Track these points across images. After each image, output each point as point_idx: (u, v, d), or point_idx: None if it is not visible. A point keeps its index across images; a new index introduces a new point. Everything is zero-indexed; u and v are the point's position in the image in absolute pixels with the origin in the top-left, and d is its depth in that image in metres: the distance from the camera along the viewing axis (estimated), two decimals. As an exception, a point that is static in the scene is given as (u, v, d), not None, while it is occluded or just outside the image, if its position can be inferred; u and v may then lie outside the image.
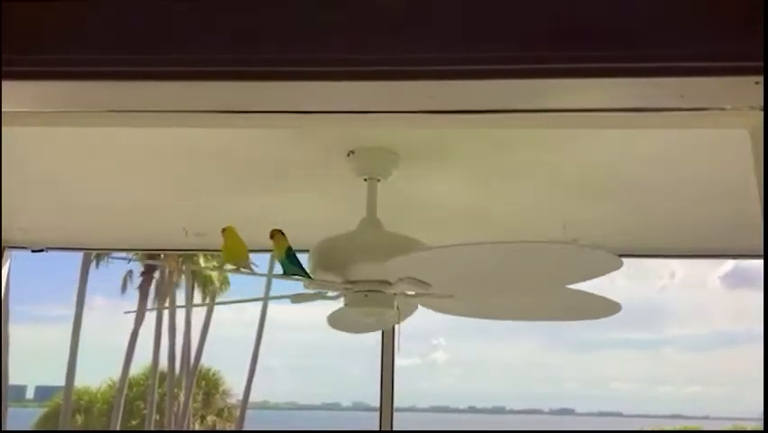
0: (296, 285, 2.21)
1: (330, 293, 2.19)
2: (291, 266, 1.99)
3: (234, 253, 2.05)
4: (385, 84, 0.91)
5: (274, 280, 2.33)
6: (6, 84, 0.88)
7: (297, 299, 2.19)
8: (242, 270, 2.07)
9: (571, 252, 1.72)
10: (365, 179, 2.15)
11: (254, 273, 2.15)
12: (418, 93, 0.94)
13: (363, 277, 2.06)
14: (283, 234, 2.01)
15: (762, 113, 0.93)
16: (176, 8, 0.90)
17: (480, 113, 0.98)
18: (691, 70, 0.89)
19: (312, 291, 2.16)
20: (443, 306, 2.26)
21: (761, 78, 0.88)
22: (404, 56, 0.90)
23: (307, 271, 2.07)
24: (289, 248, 2.00)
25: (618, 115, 1.00)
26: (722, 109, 0.96)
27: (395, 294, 2.11)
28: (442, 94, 0.94)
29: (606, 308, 2.18)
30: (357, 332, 2.57)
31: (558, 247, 1.78)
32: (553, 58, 0.90)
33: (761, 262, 1.13)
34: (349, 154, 2.07)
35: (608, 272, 1.81)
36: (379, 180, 2.15)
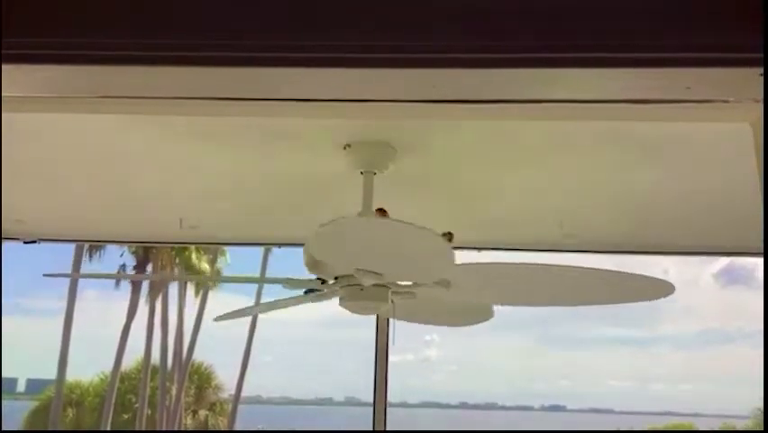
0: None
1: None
2: None
3: None
4: (386, 72, 0.90)
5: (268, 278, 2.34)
6: (4, 68, 0.86)
7: (312, 299, 2.21)
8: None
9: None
10: (361, 173, 2.13)
11: (255, 280, 2.18)
12: (420, 82, 0.93)
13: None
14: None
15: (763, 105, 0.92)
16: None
17: (484, 102, 0.97)
18: (698, 61, 0.89)
19: (326, 291, 2.16)
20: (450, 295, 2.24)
21: (765, 71, 0.88)
22: (406, 44, 0.89)
23: (302, 264, 2.09)
24: None
25: (624, 106, 0.99)
26: (726, 102, 0.96)
27: (389, 288, 2.10)
28: (445, 83, 0.93)
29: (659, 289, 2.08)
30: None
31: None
32: (560, 48, 0.88)
33: (753, 259, 1.12)
34: (345, 147, 2.06)
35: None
36: (375, 174, 2.14)
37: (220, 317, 2.73)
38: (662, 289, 2.03)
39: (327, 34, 0.89)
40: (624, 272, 1.93)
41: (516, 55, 0.88)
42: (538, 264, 1.89)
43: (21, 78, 0.91)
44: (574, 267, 1.91)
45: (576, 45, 0.88)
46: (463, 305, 2.41)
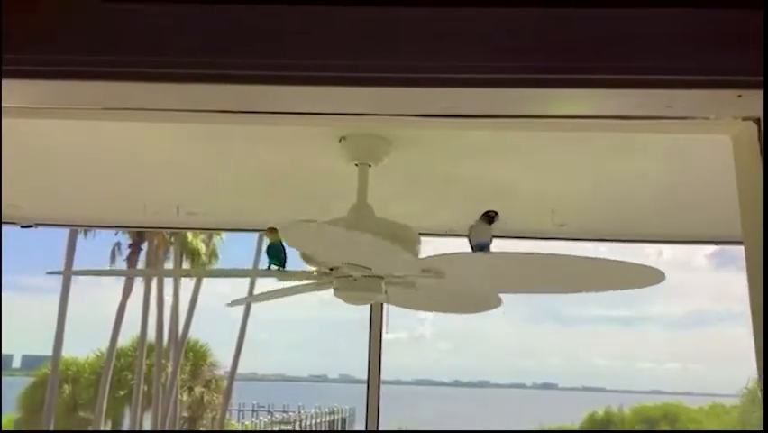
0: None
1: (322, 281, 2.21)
2: (271, 259, 2.19)
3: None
4: (379, 90, 0.93)
5: (264, 261, 2.39)
6: (5, 82, 0.89)
7: (311, 289, 2.26)
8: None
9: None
10: (356, 165, 2.16)
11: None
12: (412, 99, 0.96)
13: (351, 262, 2.08)
14: (274, 230, 2.15)
15: (744, 122, 0.97)
16: (176, 13, 0.91)
17: (474, 117, 1.01)
18: (679, 83, 0.93)
19: (320, 282, 2.21)
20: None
21: (743, 92, 0.92)
22: (398, 63, 0.92)
23: (299, 255, 2.12)
24: (271, 245, 2.18)
25: (609, 121, 1.03)
26: (706, 119, 1.00)
27: (382, 279, 2.14)
28: (435, 100, 0.96)
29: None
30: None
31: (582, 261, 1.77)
32: (549, 68, 0.92)
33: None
34: (340, 140, 2.08)
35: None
36: (370, 166, 2.16)
37: (234, 302, 2.82)
38: (653, 276, 2.08)
39: (321, 54, 0.92)
40: (615, 261, 1.97)
41: (505, 76, 0.91)
42: (530, 253, 1.94)
43: (21, 91, 0.94)
44: (565, 255, 1.95)
45: (565, 66, 0.92)
46: (467, 292, 2.45)
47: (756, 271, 1.02)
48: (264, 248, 2.23)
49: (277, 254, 2.17)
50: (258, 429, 20.26)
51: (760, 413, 1.06)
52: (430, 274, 2.13)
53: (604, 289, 2.53)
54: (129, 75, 0.89)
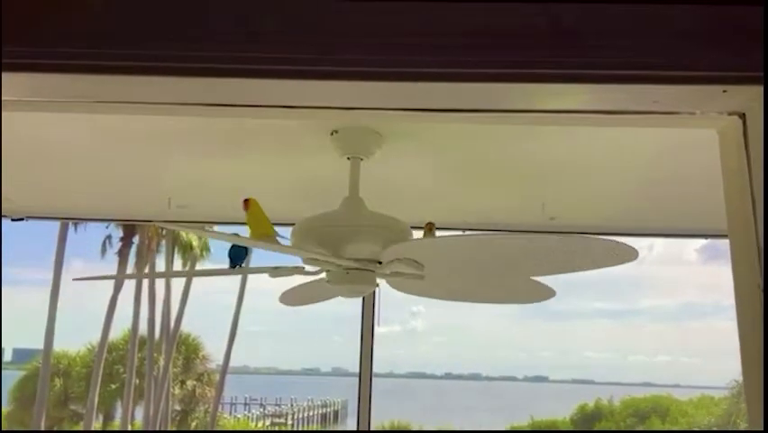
0: (276, 258, 2.26)
1: (309, 268, 2.21)
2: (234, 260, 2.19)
3: (260, 226, 2.10)
4: (369, 84, 0.94)
5: (255, 251, 2.37)
6: (5, 75, 0.89)
7: (275, 273, 2.21)
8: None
9: (577, 243, 1.72)
10: (348, 158, 2.16)
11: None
12: (400, 93, 0.97)
13: (344, 255, 2.09)
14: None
15: (729, 117, 0.98)
16: (167, 7, 0.91)
17: (463, 111, 1.02)
18: (665, 79, 0.94)
19: (290, 266, 2.19)
20: (414, 287, 2.32)
21: (729, 87, 0.93)
22: (387, 58, 0.93)
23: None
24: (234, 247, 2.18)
25: (596, 116, 1.04)
26: (692, 114, 1.02)
27: (374, 272, 2.15)
28: (423, 95, 0.97)
29: (541, 292, 2.23)
30: (311, 303, 2.64)
31: (558, 238, 1.77)
32: (536, 64, 0.93)
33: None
34: (332, 133, 2.08)
35: (619, 263, 1.75)
36: (362, 160, 2.17)
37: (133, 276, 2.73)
38: (626, 254, 2.02)
39: (310, 49, 0.92)
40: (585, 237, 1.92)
41: (494, 70, 0.92)
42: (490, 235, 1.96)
43: (15, 83, 0.94)
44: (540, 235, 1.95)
45: (552, 62, 0.93)
46: None
47: (741, 263, 1.04)
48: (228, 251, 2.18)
49: (239, 256, 2.15)
50: (252, 428, 20.26)
51: (745, 405, 1.08)
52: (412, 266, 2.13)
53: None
54: (121, 68, 0.89)
